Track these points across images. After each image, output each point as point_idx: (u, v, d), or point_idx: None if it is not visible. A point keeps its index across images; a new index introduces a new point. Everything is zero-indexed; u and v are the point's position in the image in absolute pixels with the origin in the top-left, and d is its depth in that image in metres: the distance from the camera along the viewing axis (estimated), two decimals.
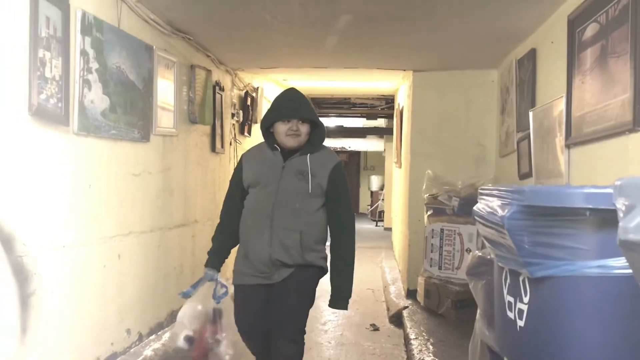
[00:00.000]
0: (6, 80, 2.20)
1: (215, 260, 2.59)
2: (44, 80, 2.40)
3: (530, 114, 3.68)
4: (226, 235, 2.61)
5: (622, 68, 2.42)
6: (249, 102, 6.01)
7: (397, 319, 4.67)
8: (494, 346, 1.27)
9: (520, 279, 1.02)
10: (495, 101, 4.92)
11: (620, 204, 0.63)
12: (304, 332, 2.55)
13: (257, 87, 6.31)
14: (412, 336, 3.93)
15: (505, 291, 1.12)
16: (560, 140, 3.15)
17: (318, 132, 2.56)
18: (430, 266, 4.60)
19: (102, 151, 2.96)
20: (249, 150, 2.68)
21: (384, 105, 10.33)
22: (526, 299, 1.00)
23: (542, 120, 3.49)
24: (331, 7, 3.39)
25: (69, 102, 2.60)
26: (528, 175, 3.80)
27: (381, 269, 7.14)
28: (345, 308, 2.57)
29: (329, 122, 12.26)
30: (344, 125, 12.40)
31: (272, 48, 4.46)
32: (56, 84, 2.50)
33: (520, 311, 1.02)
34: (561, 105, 3.12)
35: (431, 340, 3.82)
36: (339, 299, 2.54)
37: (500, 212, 0.95)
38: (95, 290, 2.97)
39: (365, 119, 11.97)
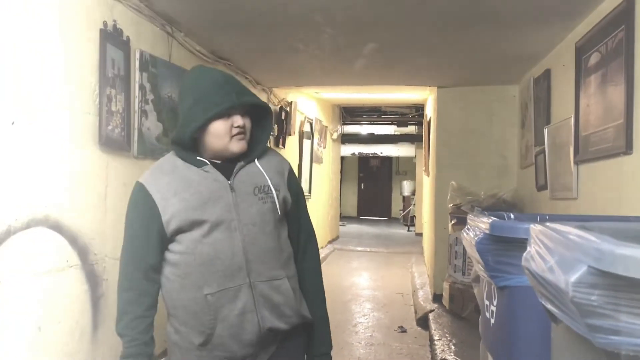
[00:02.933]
0: (82, 116, 2.61)
1: None
2: (111, 113, 2.81)
3: (545, 130, 3.95)
4: (148, 325, 1.67)
5: (618, 96, 2.70)
6: (283, 117, 6.39)
7: (423, 322, 4.97)
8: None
9: (492, 287, 1.34)
10: (517, 115, 5.18)
11: (531, 241, 0.96)
12: None
13: (291, 102, 6.69)
14: (436, 337, 4.24)
15: (485, 296, 1.44)
16: (570, 156, 3.42)
17: (263, 124, 1.76)
18: (455, 272, 4.89)
19: None
20: (150, 174, 1.67)
21: (414, 113, 10.61)
22: (495, 303, 1.32)
23: (555, 137, 3.76)
24: (357, 37, 3.74)
25: (130, 131, 3.01)
26: (544, 187, 4.06)
27: (411, 274, 7.43)
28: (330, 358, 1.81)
29: (361, 129, 12.62)
30: (375, 133, 12.70)
31: (305, 70, 4.83)
32: (120, 115, 2.90)
33: (492, 312, 1.35)
34: (570, 125, 3.39)
35: (454, 341, 4.12)
36: (327, 343, 1.80)
37: (474, 238, 1.29)
38: None
39: (396, 126, 12.28)
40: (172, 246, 1.63)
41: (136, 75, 3.06)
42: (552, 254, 0.79)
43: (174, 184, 1.62)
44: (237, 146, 1.65)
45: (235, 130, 1.64)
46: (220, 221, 1.60)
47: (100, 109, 2.71)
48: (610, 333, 0.63)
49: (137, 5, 3.02)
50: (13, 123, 2.17)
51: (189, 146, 1.67)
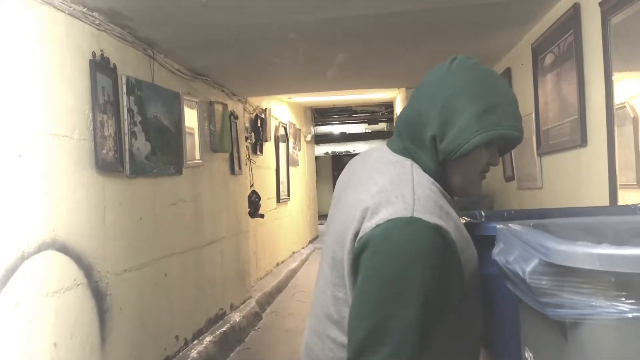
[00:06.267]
0: (79, 143, 2.77)
1: None
2: (104, 138, 2.98)
3: None
4: None
5: (572, 94, 2.96)
6: (259, 124, 6.58)
7: None
8: None
9: None
10: None
11: (498, 238, 1.19)
12: None
13: (265, 109, 6.88)
14: None
15: None
16: (534, 149, 3.70)
17: None
18: None
19: (147, 188, 3.54)
20: (435, 208, 1.14)
21: (384, 111, 10.91)
22: None
23: None
24: (329, 49, 3.96)
25: (122, 152, 3.17)
26: (512, 178, 4.34)
27: None
28: None
29: (333, 129, 12.87)
30: (347, 132, 12.97)
31: (280, 80, 5.04)
32: (112, 139, 3.07)
33: None
34: (531, 120, 3.66)
35: None
36: None
37: None
38: (150, 304, 3.54)
39: (367, 124, 12.57)
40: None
41: (124, 100, 3.22)
42: (513, 250, 1.01)
43: (459, 225, 1.19)
44: (479, 188, 1.29)
45: (487, 168, 1.27)
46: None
47: (94, 134, 2.88)
48: (557, 307, 0.86)
49: (121, 33, 3.18)
50: (20, 156, 2.33)
51: (437, 166, 1.21)
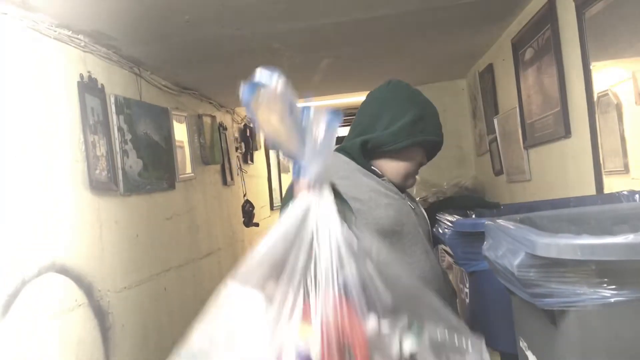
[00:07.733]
0: (73, 165, 2.80)
1: None
2: (96, 158, 3.01)
3: (495, 120, 4.29)
4: None
5: (553, 87, 3.02)
6: (248, 133, 6.61)
7: None
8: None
9: (463, 273, 1.63)
10: (468, 107, 5.53)
11: (487, 234, 1.24)
12: None
13: None
14: None
15: (458, 281, 1.73)
16: (520, 142, 3.76)
17: None
18: None
19: (142, 205, 3.57)
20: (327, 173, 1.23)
21: None
22: (467, 285, 1.61)
23: (505, 126, 4.10)
24: (313, 55, 4.00)
25: (115, 171, 3.20)
26: (500, 172, 4.40)
27: None
28: None
29: None
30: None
31: None
32: (104, 158, 3.10)
33: (466, 293, 1.63)
34: (516, 114, 3.72)
35: None
36: None
37: (443, 234, 1.57)
38: (152, 320, 3.57)
39: None
40: None
41: (114, 119, 3.25)
42: (502, 244, 1.06)
43: (363, 187, 1.54)
44: (414, 181, 1.68)
45: (418, 166, 1.68)
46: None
47: (87, 155, 2.91)
48: (545, 297, 0.90)
49: (106, 53, 3.21)
50: (15, 180, 2.36)
51: (365, 156, 1.60)
